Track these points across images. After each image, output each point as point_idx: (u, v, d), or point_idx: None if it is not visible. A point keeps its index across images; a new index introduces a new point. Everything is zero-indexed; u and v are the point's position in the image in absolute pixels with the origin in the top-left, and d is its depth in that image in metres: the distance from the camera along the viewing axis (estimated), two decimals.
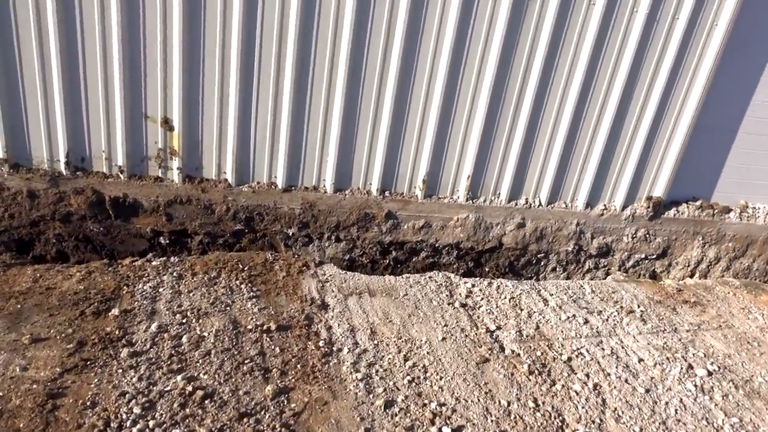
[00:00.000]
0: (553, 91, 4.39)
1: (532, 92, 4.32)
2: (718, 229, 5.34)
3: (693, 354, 3.49)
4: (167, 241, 4.29)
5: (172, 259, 3.63)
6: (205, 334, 2.91)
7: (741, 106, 4.89)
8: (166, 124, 3.99)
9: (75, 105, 3.83)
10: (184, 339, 2.84)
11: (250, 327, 3.04)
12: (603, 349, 3.40)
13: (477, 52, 4.12)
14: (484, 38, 4.09)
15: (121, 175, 4.07)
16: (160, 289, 3.21)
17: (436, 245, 4.81)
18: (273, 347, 2.92)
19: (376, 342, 3.12)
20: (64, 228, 4.10)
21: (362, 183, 4.51)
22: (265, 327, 3.06)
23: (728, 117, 4.94)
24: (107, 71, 3.74)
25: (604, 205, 5.03)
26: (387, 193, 4.56)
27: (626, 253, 5.23)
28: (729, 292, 4.57)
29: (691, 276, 5.39)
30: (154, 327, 2.87)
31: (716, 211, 5.31)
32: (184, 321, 2.97)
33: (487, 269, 5.02)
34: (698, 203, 5.29)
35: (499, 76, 4.22)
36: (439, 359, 3.06)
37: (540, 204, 4.87)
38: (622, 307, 3.94)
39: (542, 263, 5.12)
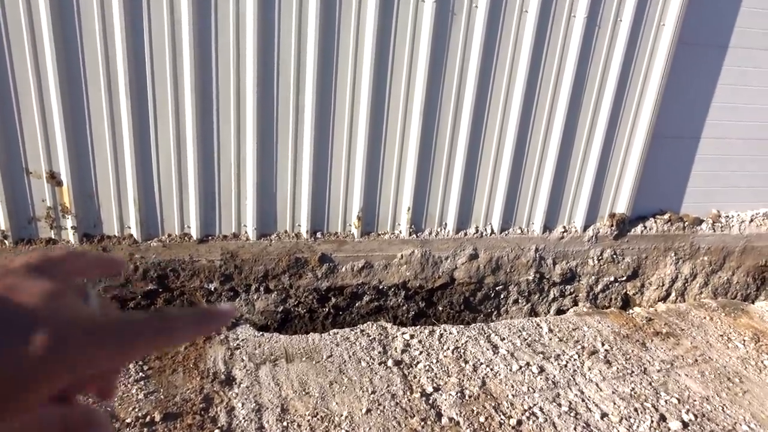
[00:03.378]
0: (492, 105, 3.97)
1: (469, 108, 3.89)
2: (690, 243, 4.91)
3: (665, 401, 3.00)
4: None
5: None
6: None
7: (701, 110, 4.51)
8: (53, 178, 3.51)
9: None
10: None
11: (128, 420, 2.52)
12: (560, 405, 2.90)
13: (402, 67, 3.70)
14: (408, 54, 3.67)
15: (6, 241, 3.56)
16: None
17: (380, 287, 4.32)
18: None
19: (285, 423, 2.61)
20: None
21: (289, 225, 4.03)
22: (148, 418, 2.54)
23: (689, 123, 4.55)
24: None
25: (564, 227, 4.58)
26: (319, 234, 4.08)
27: (593, 277, 4.77)
28: (705, 317, 4.10)
29: (668, 296, 4.94)
30: None
31: (687, 223, 4.88)
32: None
33: (440, 308, 4.53)
34: (666, 216, 4.86)
35: (430, 93, 3.79)
36: None
37: (492, 232, 4.41)
38: (583, 347, 3.46)
39: (502, 296, 4.65)
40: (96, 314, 0.36)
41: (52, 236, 3.65)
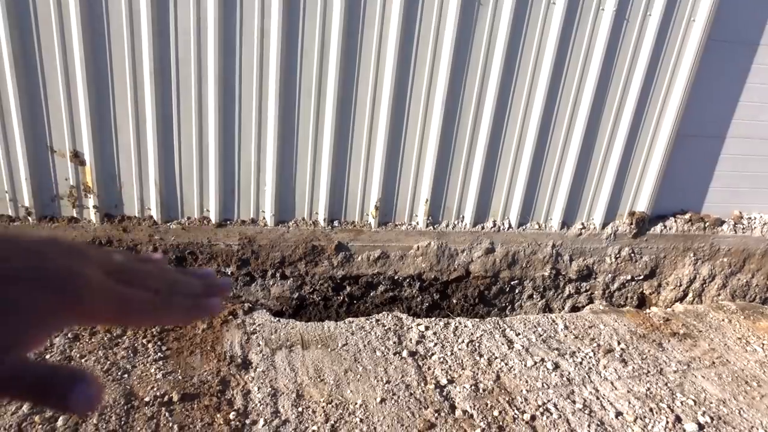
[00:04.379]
0: (515, 98, 3.93)
1: (491, 100, 3.85)
2: (710, 244, 4.84)
3: (681, 402, 2.98)
4: None
5: None
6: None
7: (727, 108, 4.43)
8: (76, 158, 3.55)
9: None
10: (60, 422, 2.36)
11: (147, 399, 2.55)
12: (574, 402, 2.89)
13: (426, 58, 3.67)
14: (433, 43, 3.64)
15: (30, 218, 3.62)
16: (47, 356, 2.74)
17: (396, 277, 4.33)
18: (171, 425, 2.43)
19: (300, 409, 2.63)
20: None
21: (307, 213, 4.04)
22: (166, 398, 2.58)
23: (714, 121, 4.47)
24: (1, 100, 3.30)
25: (582, 224, 4.54)
26: (336, 223, 4.09)
27: (610, 275, 4.73)
28: (724, 319, 4.06)
29: (684, 296, 4.88)
30: (25, 408, 2.40)
31: (708, 223, 4.81)
32: None
33: (454, 301, 4.53)
34: (687, 216, 4.80)
35: (453, 85, 3.76)
36: (374, 428, 2.56)
37: (510, 226, 4.39)
38: (599, 345, 3.44)
39: (517, 291, 4.63)
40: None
41: (74, 215, 3.69)
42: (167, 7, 3.24)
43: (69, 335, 2.91)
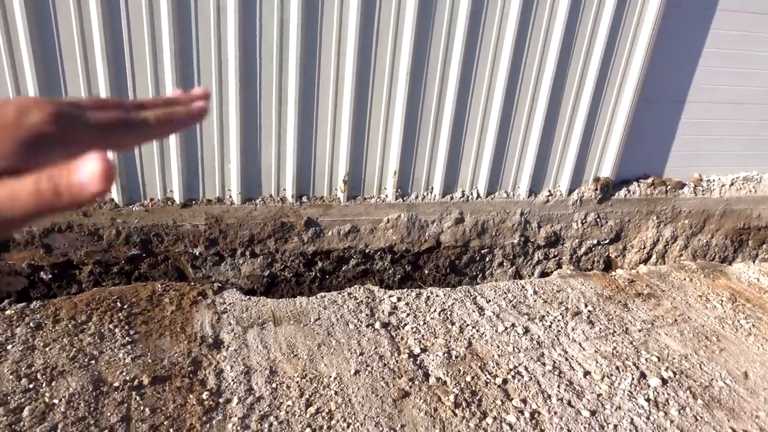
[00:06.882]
0: (480, 66, 3.91)
1: (456, 69, 3.82)
2: (672, 206, 4.97)
3: (646, 359, 3.08)
4: (50, 276, 3.71)
5: (32, 305, 3.05)
6: (56, 401, 2.37)
7: (687, 74, 4.50)
8: None
9: None
10: (26, 412, 2.30)
11: (116, 384, 2.51)
12: (544, 364, 2.96)
13: (389, 26, 3.60)
14: (395, 11, 3.58)
15: None
16: (9, 347, 2.65)
17: (367, 251, 4.32)
18: (142, 408, 2.40)
19: (274, 385, 2.63)
20: None
21: (275, 189, 3.98)
22: (136, 382, 2.54)
23: (675, 86, 4.54)
24: None
25: (549, 191, 4.60)
26: (305, 199, 4.04)
27: (577, 241, 4.83)
28: (685, 278, 4.20)
29: (648, 258, 5.03)
30: None
31: (669, 187, 4.93)
32: (30, 387, 2.43)
33: (426, 271, 4.56)
34: (650, 180, 4.90)
35: (417, 54, 3.71)
36: (349, 400, 2.58)
37: (478, 195, 4.41)
38: (567, 308, 3.52)
39: (487, 259, 4.69)
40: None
41: None
42: None
43: (31, 324, 2.83)
